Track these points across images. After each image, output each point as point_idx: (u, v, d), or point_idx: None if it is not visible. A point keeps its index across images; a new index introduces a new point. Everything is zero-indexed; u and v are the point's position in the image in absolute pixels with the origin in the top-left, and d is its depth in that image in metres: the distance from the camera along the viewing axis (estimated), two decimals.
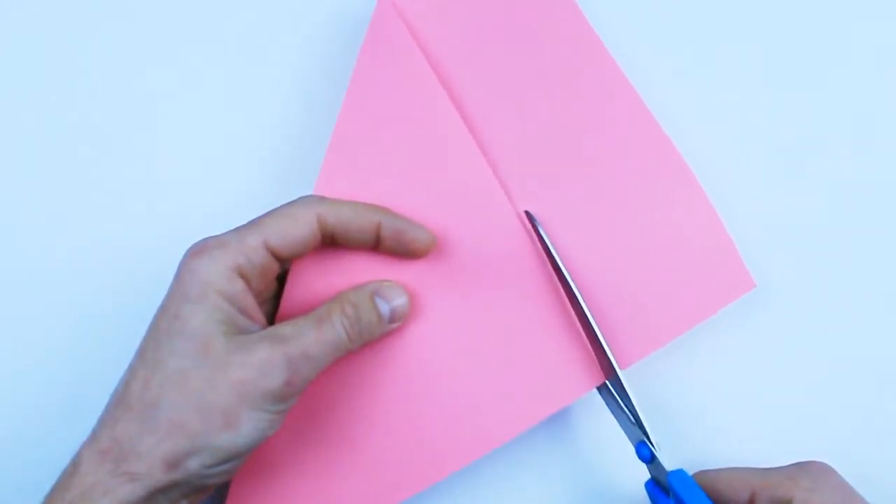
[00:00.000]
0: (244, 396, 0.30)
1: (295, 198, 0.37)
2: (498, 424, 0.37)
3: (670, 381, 0.41)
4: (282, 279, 0.36)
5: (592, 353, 0.37)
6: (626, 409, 0.36)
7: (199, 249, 0.32)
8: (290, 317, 0.34)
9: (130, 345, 0.33)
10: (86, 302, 0.41)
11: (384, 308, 0.35)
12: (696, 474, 0.35)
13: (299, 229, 0.33)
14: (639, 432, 0.36)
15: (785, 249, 0.42)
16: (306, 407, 0.36)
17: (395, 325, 0.36)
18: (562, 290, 0.37)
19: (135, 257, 0.41)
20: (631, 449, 0.36)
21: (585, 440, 0.40)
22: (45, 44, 0.43)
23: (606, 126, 0.39)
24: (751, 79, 0.43)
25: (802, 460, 0.34)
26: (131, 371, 0.32)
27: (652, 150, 0.39)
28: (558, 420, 0.40)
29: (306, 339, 0.32)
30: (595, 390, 0.38)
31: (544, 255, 0.37)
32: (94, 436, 0.31)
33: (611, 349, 0.36)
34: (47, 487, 0.31)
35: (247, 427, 0.31)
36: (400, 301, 0.36)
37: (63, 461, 0.31)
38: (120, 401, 0.31)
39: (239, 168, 0.42)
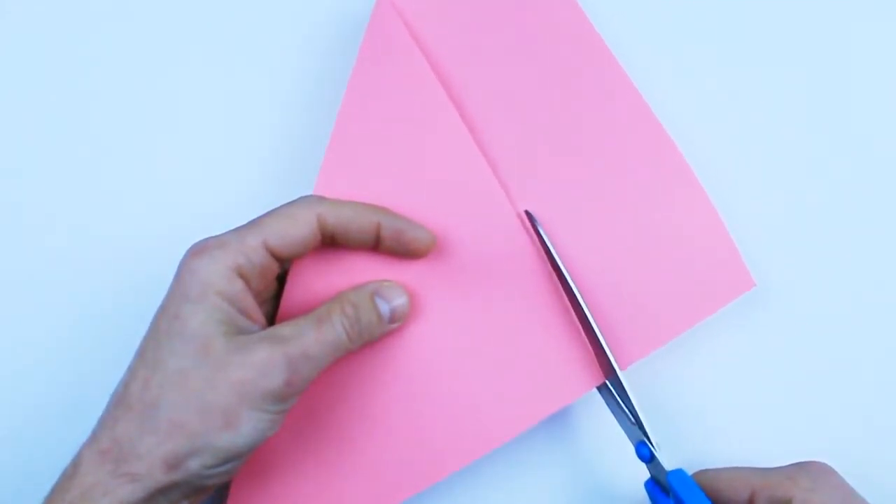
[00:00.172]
0: (244, 397, 0.30)
1: (295, 198, 0.37)
2: (498, 424, 0.37)
3: (670, 380, 0.41)
4: (282, 279, 0.36)
5: (592, 353, 0.37)
6: (625, 408, 0.36)
7: (199, 249, 0.32)
8: (290, 317, 0.34)
9: (130, 345, 0.33)
10: (86, 302, 0.41)
11: (384, 308, 0.35)
12: (695, 474, 0.35)
13: (299, 229, 0.33)
14: (638, 432, 0.36)
15: (785, 249, 0.42)
16: (306, 407, 0.36)
17: (395, 326, 0.36)
18: (562, 290, 0.37)
19: (135, 257, 0.41)
20: (631, 448, 0.36)
21: (585, 440, 0.40)
22: (45, 44, 0.43)
23: (607, 125, 0.39)
24: (751, 78, 0.43)
25: (802, 460, 0.34)
26: (131, 371, 0.32)
27: (653, 150, 0.39)
28: (558, 420, 0.40)
29: (306, 339, 0.32)
30: (595, 390, 0.38)
31: (544, 255, 0.37)
32: (94, 436, 0.31)
33: (610, 349, 0.36)
34: (47, 488, 0.31)
35: (247, 427, 0.31)
36: (400, 301, 0.36)
37: (63, 461, 0.31)
38: (120, 401, 0.31)
39: (239, 168, 0.42)
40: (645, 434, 0.36)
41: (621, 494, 0.39)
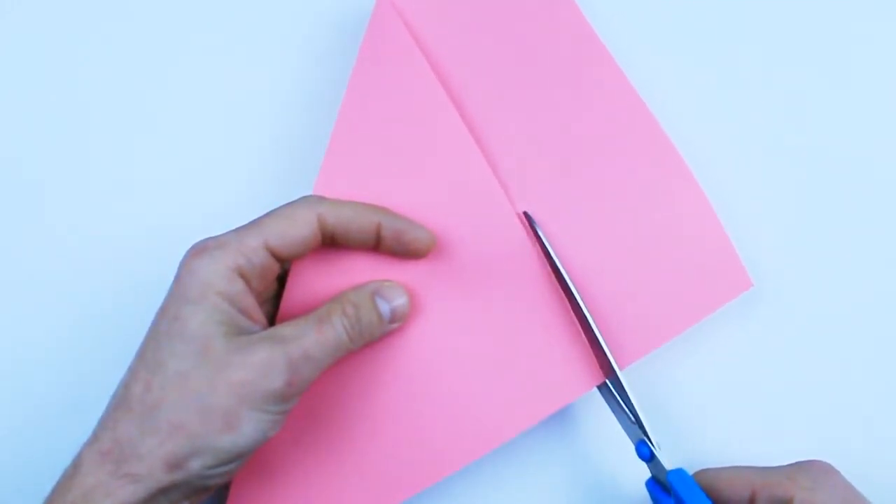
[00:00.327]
0: (245, 398, 0.30)
1: (295, 198, 0.37)
2: (498, 424, 0.37)
3: (671, 380, 0.41)
4: (282, 279, 0.36)
5: (592, 353, 0.37)
6: (625, 408, 0.36)
7: (199, 250, 0.32)
8: (290, 317, 0.34)
9: (130, 345, 0.33)
10: (86, 302, 0.41)
11: (384, 308, 0.35)
12: (696, 473, 0.35)
13: (299, 230, 0.33)
14: (639, 431, 0.36)
15: (786, 249, 0.42)
16: (306, 407, 0.36)
17: (395, 326, 0.36)
18: (561, 291, 0.37)
19: (135, 257, 0.41)
20: (632, 448, 0.36)
21: (586, 439, 0.40)
22: (45, 43, 0.43)
23: (606, 126, 0.39)
24: (750, 79, 0.43)
25: (803, 459, 0.34)
26: (132, 372, 0.32)
27: (651, 150, 0.39)
28: (559, 419, 0.40)
29: (307, 339, 0.32)
30: (595, 390, 0.38)
31: (543, 256, 0.37)
32: (95, 437, 0.31)
33: (609, 349, 0.36)
34: (47, 488, 0.31)
35: (248, 428, 0.31)
36: (400, 301, 0.36)
37: (63, 461, 0.31)
38: (121, 402, 0.31)
39: (239, 168, 0.42)
40: (645, 433, 0.36)
41: (622, 494, 0.39)
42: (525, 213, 0.38)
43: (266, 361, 0.31)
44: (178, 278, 0.32)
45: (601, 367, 0.37)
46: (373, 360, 0.37)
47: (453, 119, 0.38)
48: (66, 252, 0.41)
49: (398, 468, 0.36)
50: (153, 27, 0.43)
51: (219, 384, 0.30)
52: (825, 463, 0.33)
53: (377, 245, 0.36)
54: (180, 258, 0.33)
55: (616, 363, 0.36)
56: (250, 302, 0.33)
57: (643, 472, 0.36)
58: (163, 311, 0.32)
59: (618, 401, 0.37)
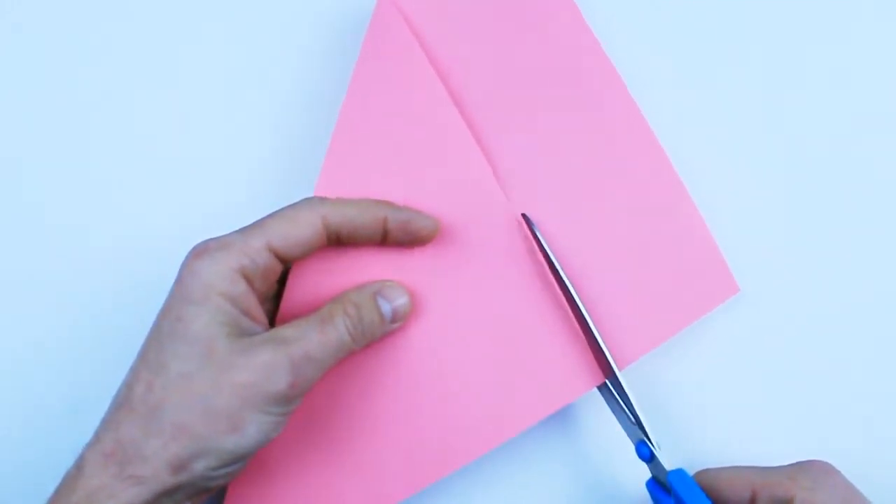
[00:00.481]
0: (249, 400, 0.30)
1: (296, 198, 0.36)
2: (498, 423, 0.37)
3: (670, 380, 0.41)
4: (282, 279, 0.36)
5: (591, 354, 0.37)
6: (625, 408, 0.36)
7: (201, 251, 0.32)
8: (291, 317, 0.34)
9: (130, 344, 0.33)
10: (86, 302, 0.41)
11: (386, 308, 0.35)
12: (697, 473, 0.35)
13: (303, 231, 0.33)
14: (639, 431, 0.36)
15: (786, 249, 0.42)
16: (306, 406, 0.35)
17: (396, 326, 0.36)
18: (560, 292, 0.37)
19: (135, 257, 0.41)
20: (632, 448, 0.36)
21: (587, 439, 0.40)
22: (46, 43, 0.43)
23: (600, 131, 0.40)
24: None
25: (803, 459, 0.34)
26: (134, 373, 0.32)
27: (643, 158, 0.40)
28: (560, 419, 0.40)
29: (309, 340, 0.32)
30: (596, 390, 0.38)
31: (542, 257, 0.37)
32: (98, 438, 0.31)
33: (609, 350, 0.36)
34: (47, 488, 0.31)
35: (252, 430, 0.31)
36: (401, 301, 0.36)
37: (63, 461, 0.31)
38: (123, 403, 0.31)
39: (240, 167, 0.42)
40: (645, 434, 0.36)
41: (623, 494, 0.39)
42: (524, 215, 0.38)
43: (269, 363, 0.31)
44: (179, 279, 0.32)
45: (601, 367, 0.37)
46: (373, 360, 0.37)
47: (455, 120, 0.38)
48: (66, 252, 0.41)
49: (397, 467, 0.36)
50: (153, 27, 0.43)
51: (222, 386, 0.30)
52: (826, 463, 0.34)
53: (384, 239, 0.36)
54: (181, 258, 0.33)
55: (615, 363, 0.36)
56: (252, 303, 0.33)
57: (643, 472, 0.36)
58: (165, 312, 0.32)
59: (618, 401, 0.37)
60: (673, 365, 0.41)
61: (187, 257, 0.33)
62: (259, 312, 0.33)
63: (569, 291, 0.37)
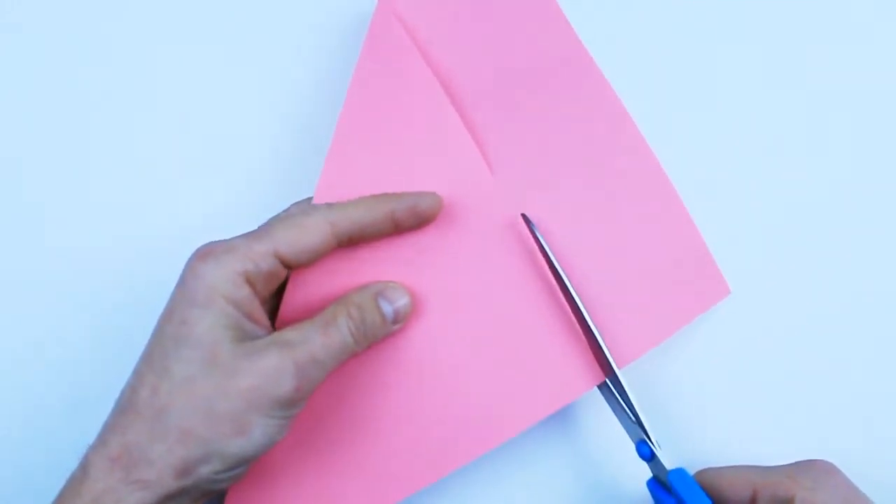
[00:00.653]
0: (254, 404, 0.30)
1: (297, 198, 0.37)
2: (499, 423, 0.37)
3: (671, 380, 0.41)
4: (284, 280, 0.36)
5: (591, 353, 0.37)
6: (626, 407, 0.36)
7: (205, 253, 0.32)
8: (292, 318, 0.34)
9: (131, 344, 0.33)
10: (86, 302, 0.41)
11: (388, 309, 0.35)
12: (697, 473, 0.35)
13: (311, 238, 0.33)
14: (639, 431, 0.36)
15: (787, 249, 0.42)
16: (307, 406, 0.35)
17: (398, 326, 0.36)
18: (559, 292, 0.37)
19: (135, 257, 0.41)
20: (633, 447, 0.36)
21: (588, 439, 0.40)
22: (46, 43, 0.43)
23: (595, 136, 0.40)
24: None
25: (805, 459, 0.34)
26: (138, 376, 0.32)
27: (636, 163, 0.40)
28: (560, 419, 0.40)
29: (313, 343, 0.32)
30: (596, 390, 0.38)
31: (541, 258, 0.37)
32: (103, 441, 0.31)
33: (608, 349, 0.36)
34: (48, 488, 0.31)
35: (257, 433, 0.31)
36: (402, 302, 0.36)
37: (64, 462, 0.31)
38: (128, 407, 0.31)
39: (240, 170, 0.42)
40: (645, 433, 0.36)
41: (623, 493, 0.39)
42: (523, 215, 0.38)
43: (274, 367, 0.31)
44: (183, 281, 0.32)
45: (601, 366, 0.37)
46: (373, 361, 0.37)
47: (454, 122, 0.38)
48: (66, 252, 0.41)
49: (397, 467, 0.36)
50: (153, 28, 0.43)
51: (228, 390, 0.30)
52: (827, 462, 0.34)
53: (395, 230, 0.36)
54: (181, 258, 0.33)
55: (615, 362, 0.36)
56: (255, 306, 0.33)
57: (644, 471, 0.36)
58: (168, 315, 0.32)
59: (618, 400, 0.37)
60: (673, 364, 0.41)
61: (190, 259, 0.32)
62: (262, 316, 0.33)
63: (568, 291, 0.37)
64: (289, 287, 0.36)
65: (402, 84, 0.38)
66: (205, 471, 0.30)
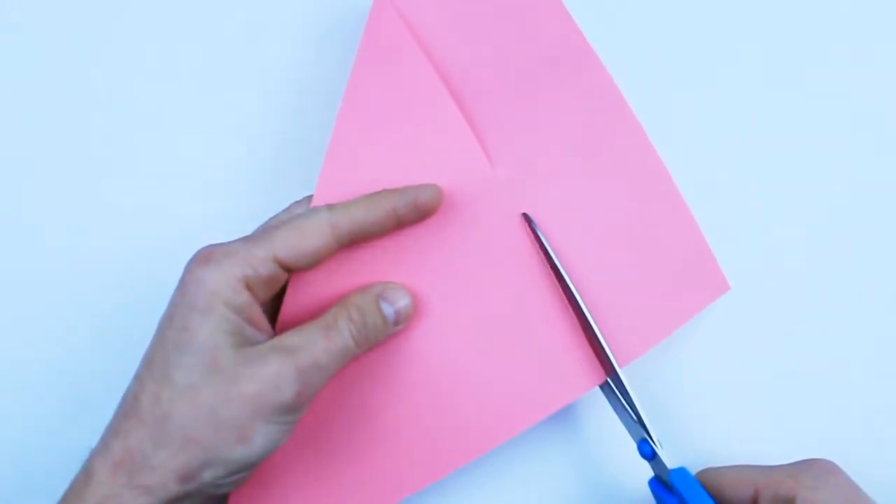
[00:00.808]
0: (257, 410, 0.30)
1: (297, 196, 0.37)
2: (500, 422, 0.37)
3: (672, 379, 0.41)
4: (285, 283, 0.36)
5: (593, 353, 0.37)
6: (627, 407, 0.36)
7: (205, 258, 0.32)
8: (292, 322, 0.34)
9: (131, 345, 0.33)
10: (86, 302, 0.41)
11: (389, 311, 0.35)
12: (699, 472, 0.35)
13: (312, 242, 0.33)
14: (641, 430, 0.36)
15: (787, 249, 0.42)
16: (309, 409, 0.35)
17: (399, 328, 0.36)
18: (561, 291, 0.37)
19: (135, 258, 0.41)
20: (635, 447, 0.36)
21: (589, 438, 0.40)
22: (46, 43, 0.43)
23: (596, 130, 0.40)
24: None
25: (806, 458, 0.34)
26: (140, 382, 0.31)
27: (637, 159, 0.40)
28: (562, 418, 0.40)
29: (315, 348, 0.32)
30: (598, 389, 0.38)
31: (542, 257, 0.37)
32: (106, 446, 0.31)
33: (609, 348, 0.36)
34: (47, 488, 0.31)
35: (259, 439, 0.31)
36: (404, 302, 0.36)
37: (64, 462, 0.31)
38: (130, 412, 0.31)
39: (240, 168, 0.42)
40: (647, 432, 0.36)
41: (625, 493, 0.40)
42: (525, 215, 0.38)
43: (276, 373, 0.31)
44: (183, 286, 0.32)
45: (602, 365, 0.37)
46: (374, 361, 0.36)
47: (454, 116, 0.38)
48: (66, 252, 0.41)
49: (398, 466, 0.36)
50: (153, 27, 0.43)
51: (231, 398, 0.30)
52: (828, 461, 0.34)
53: (397, 226, 0.36)
54: (181, 259, 0.33)
55: (616, 361, 0.36)
56: (256, 311, 0.33)
57: (646, 471, 0.37)
58: (169, 320, 0.32)
59: (619, 400, 0.37)
60: (675, 363, 0.41)
61: (190, 263, 0.32)
62: (263, 320, 0.33)
63: (569, 290, 0.37)
64: (289, 289, 0.36)
65: (402, 78, 0.38)
66: (207, 476, 0.30)
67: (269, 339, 0.33)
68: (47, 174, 0.42)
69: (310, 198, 0.36)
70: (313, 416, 0.36)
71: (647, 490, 0.37)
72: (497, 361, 0.37)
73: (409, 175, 0.37)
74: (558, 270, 0.37)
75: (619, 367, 0.36)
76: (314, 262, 0.34)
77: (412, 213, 0.35)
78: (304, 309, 0.35)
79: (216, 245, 0.33)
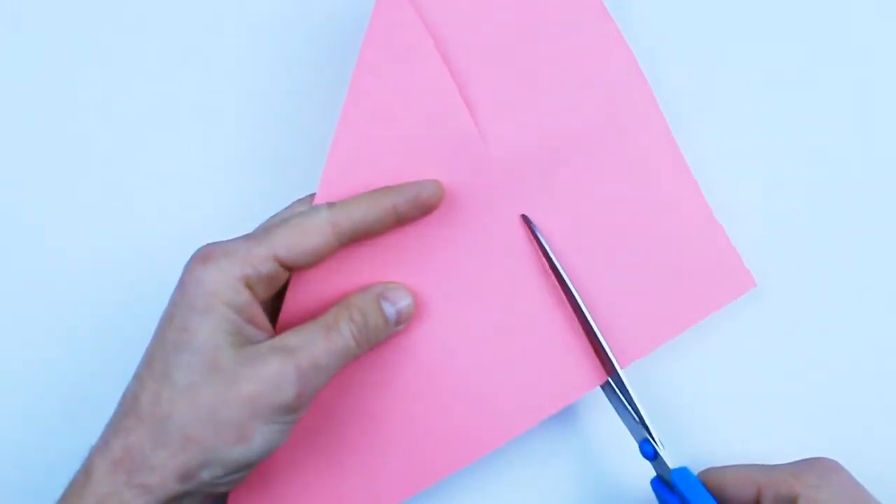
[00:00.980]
0: (256, 411, 0.30)
1: (299, 195, 0.37)
2: (501, 422, 0.37)
3: (673, 379, 0.41)
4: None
5: (594, 353, 0.37)
6: (628, 407, 0.36)
7: (205, 257, 0.32)
8: (293, 321, 0.34)
9: (131, 344, 0.33)
10: (86, 302, 0.41)
11: (390, 311, 0.35)
12: (701, 472, 0.35)
13: (312, 240, 0.33)
14: (642, 430, 0.36)
15: (788, 248, 0.42)
16: (309, 409, 0.35)
17: (400, 328, 0.36)
18: (562, 292, 0.37)
19: (136, 258, 0.41)
20: (636, 447, 0.36)
21: (591, 438, 0.40)
22: (45, 44, 0.43)
23: (611, 123, 0.39)
24: (751, 78, 0.43)
25: (810, 457, 0.34)
26: (140, 381, 0.31)
27: (655, 149, 0.39)
28: (563, 419, 0.40)
29: (316, 348, 0.32)
30: (599, 389, 0.38)
31: (543, 258, 0.37)
32: (106, 444, 0.31)
33: (610, 348, 0.36)
34: (47, 488, 0.31)
35: (259, 439, 0.31)
36: (405, 303, 0.35)
37: (64, 462, 0.31)
38: (130, 411, 0.31)
39: (241, 168, 0.42)
40: (648, 432, 0.36)
41: (627, 493, 0.40)
42: (524, 216, 0.38)
43: (276, 374, 0.31)
44: (182, 286, 0.32)
45: (604, 365, 0.37)
46: (375, 362, 0.36)
47: (462, 115, 0.37)
48: (66, 252, 0.41)
49: (399, 467, 0.36)
50: (153, 26, 0.43)
51: (230, 398, 0.30)
52: (831, 460, 0.33)
53: (398, 223, 0.35)
54: (180, 258, 0.32)
55: (617, 362, 0.36)
56: (256, 310, 0.32)
57: (648, 470, 0.36)
58: (168, 320, 0.32)
59: (621, 400, 0.37)
60: (676, 363, 0.41)
61: (189, 263, 0.32)
62: (263, 319, 0.33)
63: (570, 290, 0.37)
64: (290, 288, 0.35)
65: (409, 71, 0.37)
66: (206, 476, 0.30)
67: (269, 338, 0.33)
68: (47, 174, 0.42)
69: (312, 196, 0.36)
70: (313, 415, 0.36)
71: (649, 490, 0.37)
72: (498, 361, 0.37)
73: (413, 173, 0.37)
74: (558, 272, 0.37)
75: (622, 367, 0.36)
76: (315, 261, 0.34)
77: (413, 210, 0.35)
78: (305, 308, 0.35)
79: (216, 244, 0.33)
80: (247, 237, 0.33)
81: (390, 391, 0.36)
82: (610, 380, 0.37)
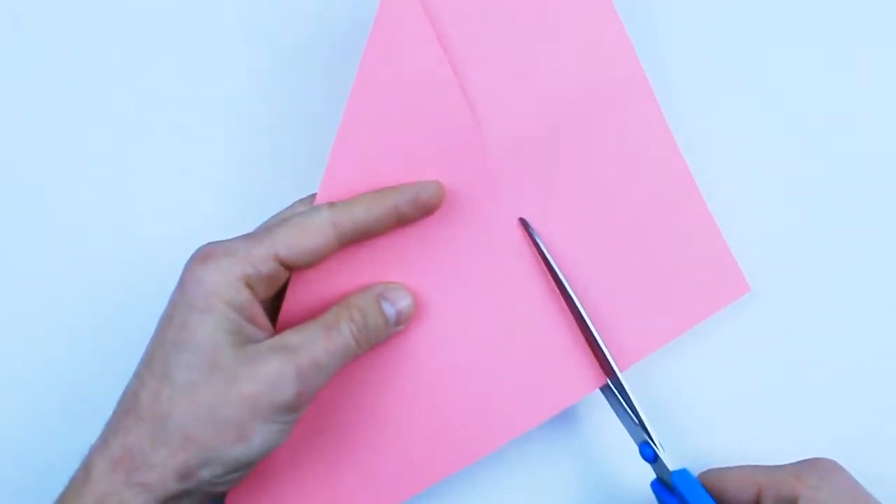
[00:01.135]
0: (256, 410, 0.30)
1: (300, 195, 0.37)
2: (501, 425, 0.37)
3: (673, 381, 0.41)
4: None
5: (593, 355, 0.37)
6: (628, 409, 0.36)
7: (205, 256, 0.32)
8: (293, 320, 0.34)
9: (131, 344, 0.33)
10: (86, 301, 0.41)
11: (390, 311, 0.35)
12: (701, 473, 0.35)
13: (312, 240, 0.33)
14: (642, 432, 0.36)
15: (788, 250, 0.42)
16: (308, 408, 0.35)
17: (400, 328, 0.36)
18: (560, 294, 0.37)
19: (136, 257, 0.41)
20: (636, 449, 0.36)
21: (591, 441, 0.40)
22: (45, 43, 0.43)
23: (610, 126, 0.39)
24: (751, 79, 0.43)
25: (810, 457, 0.34)
26: (140, 380, 0.31)
27: (654, 151, 0.39)
28: (563, 421, 0.40)
29: (316, 348, 0.32)
30: (599, 392, 0.38)
31: (541, 261, 0.37)
32: (105, 442, 0.31)
33: (609, 351, 0.36)
34: (47, 488, 0.31)
35: (258, 439, 0.31)
36: (405, 303, 0.35)
37: (64, 462, 0.31)
38: (130, 410, 0.31)
39: (241, 167, 0.42)
40: (648, 434, 0.36)
41: (627, 495, 0.40)
42: (521, 220, 0.38)
43: (276, 373, 0.31)
44: (182, 284, 0.32)
45: (603, 368, 0.37)
46: (374, 363, 0.36)
47: (465, 116, 0.37)
48: (65, 252, 0.41)
49: (398, 468, 0.36)
50: (154, 25, 0.43)
51: (230, 397, 0.30)
52: (831, 461, 0.33)
53: (399, 223, 0.35)
54: (180, 258, 0.33)
55: (616, 365, 0.36)
56: (256, 309, 0.32)
57: (648, 473, 0.36)
58: (168, 319, 0.32)
59: (620, 402, 0.37)
60: (675, 365, 0.41)
61: (189, 262, 0.32)
62: (263, 318, 0.33)
63: (568, 293, 0.37)
64: (290, 288, 0.35)
65: (413, 70, 0.37)
66: (205, 475, 0.30)
67: (269, 337, 0.33)
68: (47, 174, 0.42)
69: (313, 196, 0.36)
70: (312, 415, 0.36)
71: (650, 492, 0.37)
72: (498, 363, 0.37)
73: (414, 174, 0.37)
74: (556, 275, 0.37)
75: (621, 370, 0.36)
76: (315, 261, 0.34)
77: (414, 211, 0.35)
78: (305, 307, 0.35)
79: (216, 243, 0.33)
80: (247, 236, 0.33)
81: (390, 391, 0.36)
82: (609, 382, 0.37)
